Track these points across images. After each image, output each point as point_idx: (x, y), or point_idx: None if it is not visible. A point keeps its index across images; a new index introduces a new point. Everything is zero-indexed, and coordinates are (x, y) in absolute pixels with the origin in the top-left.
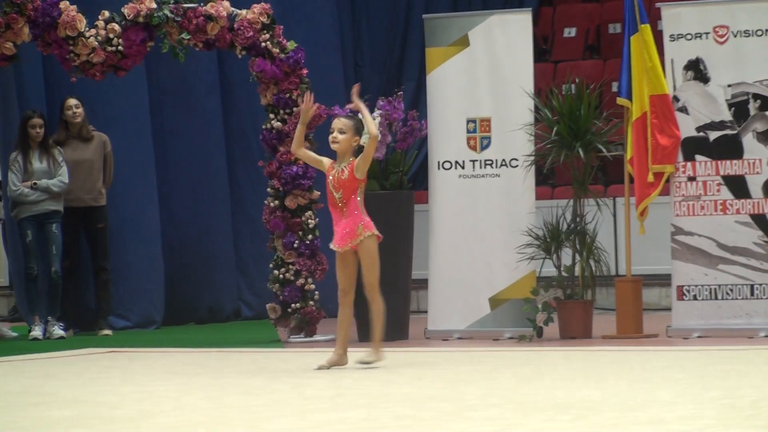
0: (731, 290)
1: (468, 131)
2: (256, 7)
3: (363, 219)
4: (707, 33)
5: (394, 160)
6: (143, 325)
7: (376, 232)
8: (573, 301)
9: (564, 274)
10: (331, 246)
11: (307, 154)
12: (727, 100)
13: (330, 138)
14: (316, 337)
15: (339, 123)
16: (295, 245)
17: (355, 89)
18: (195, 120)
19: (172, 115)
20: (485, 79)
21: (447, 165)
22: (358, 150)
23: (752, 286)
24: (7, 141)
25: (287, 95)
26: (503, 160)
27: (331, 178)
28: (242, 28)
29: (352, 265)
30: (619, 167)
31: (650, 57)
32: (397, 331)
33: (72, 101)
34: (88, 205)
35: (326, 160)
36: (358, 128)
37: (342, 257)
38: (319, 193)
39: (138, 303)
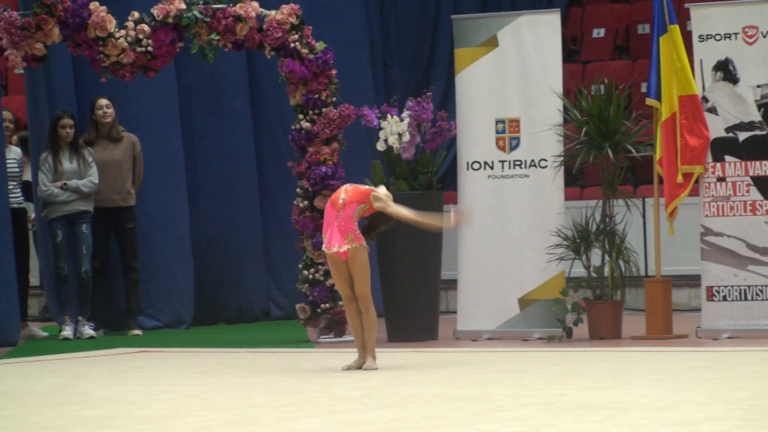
0: (761, 291)
1: (497, 132)
2: (285, 8)
3: (354, 230)
4: (736, 33)
5: (423, 161)
6: (173, 325)
7: (365, 245)
8: (602, 301)
9: (593, 274)
10: (323, 249)
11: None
12: (756, 100)
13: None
14: (346, 338)
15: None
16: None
17: None
18: (224, 120)
19: (202, 115)
20: (514, 79)
21: (476, 165)
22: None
23: None
24: (37, 141)
25: (316, 95)
26: (532, 160)
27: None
28: (271, 28)
29: (346, 272)
30: (649, 168)
31: (679, 57)
32: (427, 332)
33: (103, 101)
34: (117, 205)
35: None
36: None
37: (334, 265)
38: None
39: (168, 303)
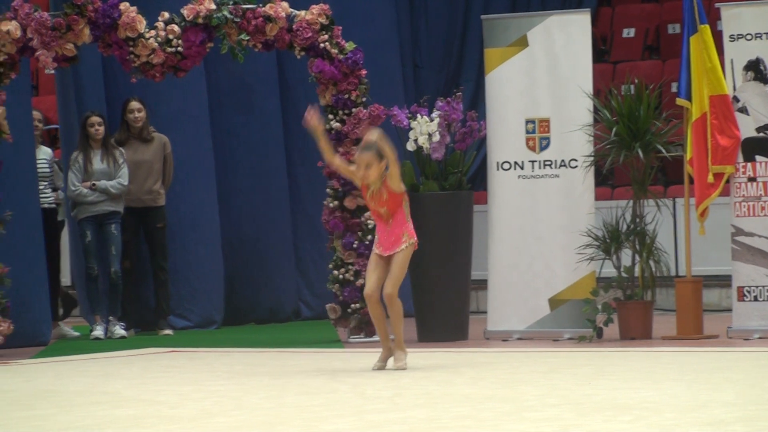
0: None
1: (527, 132)
2: (315, 8)
3: (408, 227)
4: (767, 33)
5: (453, 161)
6: (203, 325)
7: (415, 239)
8: (633, 301)
9: (624, 274)
10: (376, 250)
11: (342, 166)
12: None
13: (360, 176)
14: (376, 338)
15: (362, 160)
16: (355, 245)
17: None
18: (254, 120)
19: (231, 115)
20: (544, 79)
21: (506, 165)
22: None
23: None
24: (67, 141)
25: (346, 96)
26: (562, 160)
27: (369, 197)
28: (301, 28)
29: (385, 271)
30: (679, 168)
31: (710, 57)
32: (457, 332)
33: (135, 104)
34: (147, 205)
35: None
36: (378, 153)
37: (380, 260)
38: None
39: (198, 303)
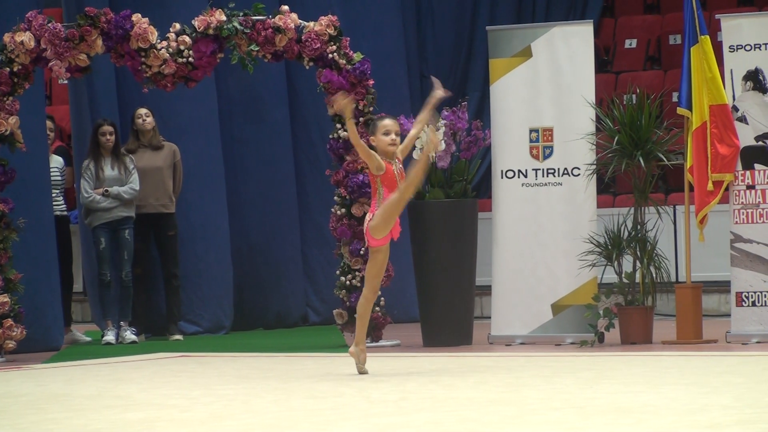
0: None
1: (531, 140)
2: (324, 19)
3: None
4: (766, 44)
5: (459, 169)
6: (213, 331)
7: None
8: (634, 307)
9: (625, 280)
10: (383, 239)
11: (369, 150)
12: None
13: (389, 140)
14: (382, 342)
15: (395, 126)
16: (362, 252)
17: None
18: (263, 129)
19: (241, 124)
20: (547, 89)
21: (510, 174)
22: None
23: None
24: (80, 150)
25: (354, 105)
26: (565, 168)
27: (395, 172)
28: (310, 39)
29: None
30: (680, 176)
31: (710, 67)
32: (461, 337)
33: (142, 110)
34: (158, 211)
35: (379, 157)
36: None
37: (385, 256)
38: None
39: (208, 309)
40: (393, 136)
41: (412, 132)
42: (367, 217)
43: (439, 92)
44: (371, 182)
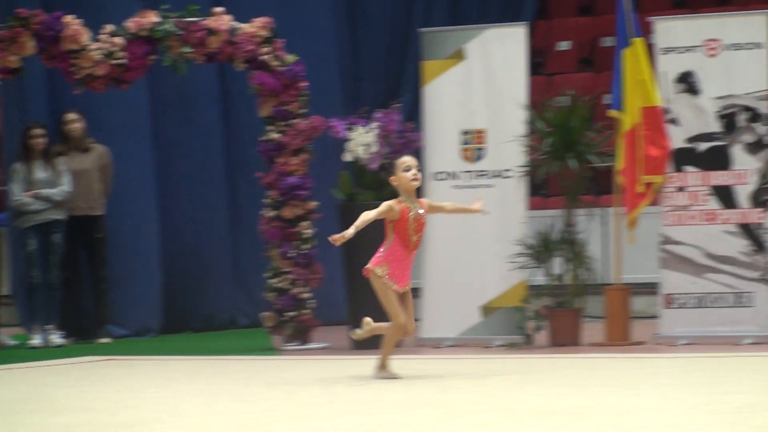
0: (717, 298)
1: (463, 142)
2: (258, 21)
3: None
4: (698, 46)
5: (389, 171)
6: (141, 334)
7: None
8: (563, 309)
9: (554, 282)
10: (393, 285)
11: (380, 210)
12: (716, 112)
13: (410, 175)
14: (311, 345)
15: (413, 161)
16: (292, 254)
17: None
18: (195, 131)
19: (173, 126)
20: (480, 91)
21: (442, 176)
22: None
23: (738, 294)
24: (10, 152)
25: (286, 107)
26: (497, 170)
27: (411, 219)
28: (243, 41)
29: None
30: (611, 178)
31: (642, 70)
32: None
33: (71, 116)
34: (86, 214)
35: (392, 204)
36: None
37: (404, 296)
38: (316, 203)
39: (136, 312)
40: (414, 171)
41: (448, 206)
42: (373, 259)
43: (477, 206)
44: (385, 225)
